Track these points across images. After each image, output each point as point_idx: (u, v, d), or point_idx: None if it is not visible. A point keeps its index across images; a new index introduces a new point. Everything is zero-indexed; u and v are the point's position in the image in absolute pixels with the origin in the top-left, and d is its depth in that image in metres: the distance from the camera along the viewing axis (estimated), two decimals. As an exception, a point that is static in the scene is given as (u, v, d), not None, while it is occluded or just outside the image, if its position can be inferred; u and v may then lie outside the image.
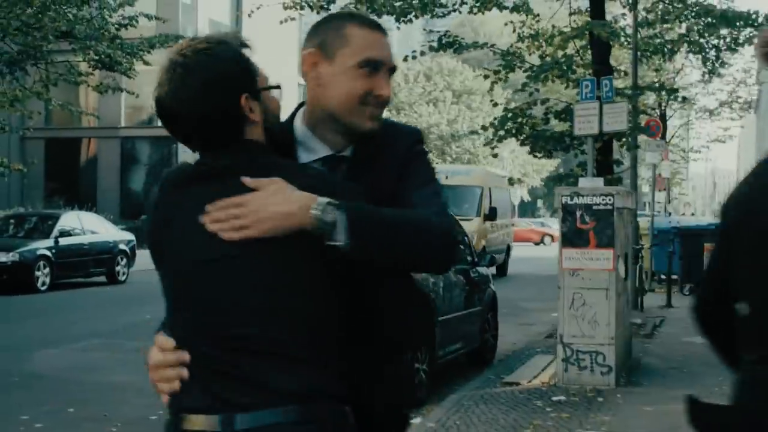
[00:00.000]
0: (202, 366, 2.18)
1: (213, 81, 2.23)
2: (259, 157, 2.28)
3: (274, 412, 2.11)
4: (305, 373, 2.14)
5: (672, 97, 16.23)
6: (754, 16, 13.39)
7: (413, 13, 14.38)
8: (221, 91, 2.24)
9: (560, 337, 9.32)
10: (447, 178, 22.25)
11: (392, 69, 2.45)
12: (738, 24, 13.49)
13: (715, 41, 14.25)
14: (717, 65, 15.19)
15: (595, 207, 9.22)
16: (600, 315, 9.18)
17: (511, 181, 25.33)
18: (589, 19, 13.99)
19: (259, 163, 2.25)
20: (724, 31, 14.40)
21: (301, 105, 2.55)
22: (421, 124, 57.68)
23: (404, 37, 70.22)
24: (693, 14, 13.93)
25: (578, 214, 9.22)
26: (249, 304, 2.16)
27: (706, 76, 15.75)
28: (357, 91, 2.37)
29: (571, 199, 9.27)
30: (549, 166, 58.28)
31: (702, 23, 14.02)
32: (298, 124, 2.50)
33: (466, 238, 11.28)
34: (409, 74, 62.23)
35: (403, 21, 14.44)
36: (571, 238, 9.27)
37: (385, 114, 2.49)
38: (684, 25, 14.87)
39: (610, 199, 9.23)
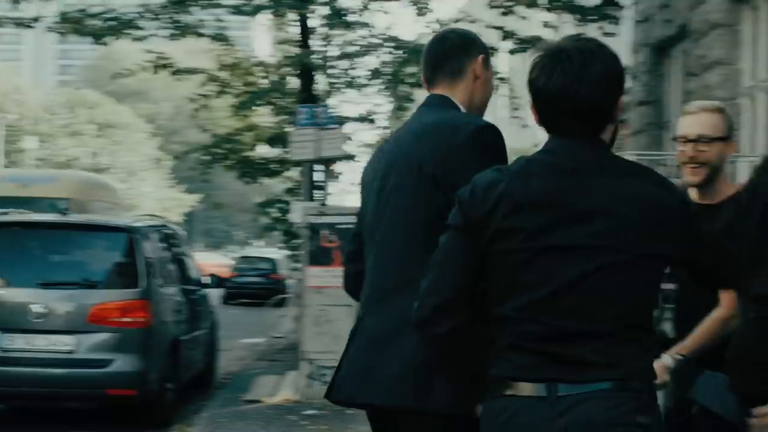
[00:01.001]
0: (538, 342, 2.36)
1: (614, 73, 2.46)
2: (617, 157, 2.51)
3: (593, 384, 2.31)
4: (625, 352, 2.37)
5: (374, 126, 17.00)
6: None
7: (115, 36, 14.04)
8: (617, 84, 2.47)
9: (304, 354, 9.45)
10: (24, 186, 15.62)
11: None
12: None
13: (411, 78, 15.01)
14: (405, 100, 15.93)
15: (339, 226, 9.47)
16: (344, 331, 9.36)
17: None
18: (298, 49, 14.34)
19: (618, 163, 2.49)
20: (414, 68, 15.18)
21: None
22: (60, 157, 55.64)
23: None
24: (387, 49, 14.68)
25: (323, 232, 9.44)
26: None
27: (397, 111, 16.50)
28: None
29: (317, 218, 9.48)
30: (190, 201, 58.31)
31: (395, 58, 14.76)
32: None
33: (189, 259, 11.12)
34: (51, 105, 59.87)
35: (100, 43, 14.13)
36: (317, 256, 9.46)
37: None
38: (377, 59, 15.47)
39: (354, 219, 9.52)
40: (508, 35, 14.46)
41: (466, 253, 2.45)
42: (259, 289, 25.39)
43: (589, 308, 2.34)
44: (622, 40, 16.69)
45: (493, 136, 2.83)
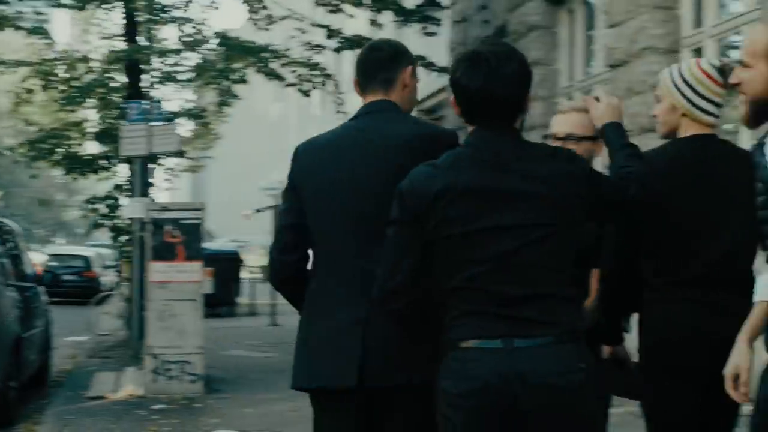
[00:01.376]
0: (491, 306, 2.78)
1: (524, 72, 2.92)
2: (530, 143, 2.99)
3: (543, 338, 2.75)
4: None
5: (199, 122, 16.93)
6: (275, 49, 14.63)
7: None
8: (527, 82, 2.91)
9: (148, 349, 9.45)
10: None
11: None
12: (263, 56, 14.46)
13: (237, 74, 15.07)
14: (230, 96, 15.99)
15: (183, 221, 9.53)
16: (188, 325, 9.49)
17: None
18: (125, 44, 14.17)
19: (532, 148, 2.96)
20: (240, 63, 15.24)
21: None
22: None
23: None
24: (213, 44, 14.73)
25: (167, 228, 9.46)
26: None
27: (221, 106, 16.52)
28: None
29: (160, 214, 9.50)
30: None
31: (219, 54, 14.81)
32: None
33: (24, 255, 10.87)
34: None
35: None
36: (160, 251, 9.48)
37: None
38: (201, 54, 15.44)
39: (198, 214, 9.61)
40: (333, 33, 14.72)
41: (412, 243, 2.88)
42: (72, 288, 24.75)
43: (529, 276, 2.79)
44: (442, 40, 17.28)
45: None
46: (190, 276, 9.52)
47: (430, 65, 14.78)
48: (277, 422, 8.00)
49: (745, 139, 7.99)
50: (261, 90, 18.26)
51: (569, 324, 2.79)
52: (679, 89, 3.49)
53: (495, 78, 2.84)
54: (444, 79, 16.93)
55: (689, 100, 3.47)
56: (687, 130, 3.48)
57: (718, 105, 3.50)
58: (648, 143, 10.58)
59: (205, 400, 9.18)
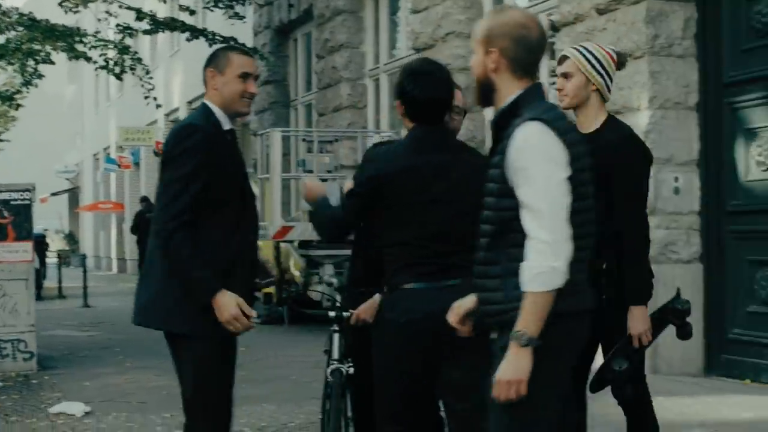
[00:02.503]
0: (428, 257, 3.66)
1: (449, 80, 3.80)
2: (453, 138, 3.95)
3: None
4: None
5: (8, 104, 16.63)
6: (83, 32, 14.67)
7: None
8: (451, 87, 3.77)
9: (-19, 329, 9.53)
10: None
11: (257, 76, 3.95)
12: (71, 41, 14.50)
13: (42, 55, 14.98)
14: (35, 76, 15.89)
15: (13, 202, 9.65)
16: (20, 304, 9.63)
17: None
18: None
19: (454, 142, 3.88)
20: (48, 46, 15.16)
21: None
22: None
23: None
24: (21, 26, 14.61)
25: (-5, 209, 9.56)
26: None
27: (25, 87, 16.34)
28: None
29: (-11, 195, 9.58)
30: None
31: (26, 35, 14.71)
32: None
33: None
34: None
35: None
36: (-10, 232, 9.56)
37: None
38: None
39: (28, 194, 9.75)
40: (143, 16, 14.88)
41: (362, 208, 3.81)
42: None
43: (457, 236, 3.62)
44: (248, 23, 17.61)
45: None
46: (21, 256, 9.65)
47: (238, 46, 15.14)
48: (117, 393, 8.30)
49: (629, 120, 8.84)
50: (54, 71, 18.06)
51: None
52: (596, 68, 4.07)
53: (431, 86, 3.74)
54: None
55: (603, 78, 4.06)
56: (593, 104, 4.11)
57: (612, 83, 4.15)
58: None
59: (42, 377, 9.35)
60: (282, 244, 12.56)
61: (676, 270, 7.96)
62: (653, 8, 8.00)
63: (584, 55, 4.09)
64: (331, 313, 4.57)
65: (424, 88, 3.71)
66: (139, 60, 15.09)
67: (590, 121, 4.11)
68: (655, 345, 7.57)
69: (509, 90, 3.02)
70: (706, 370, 8.02)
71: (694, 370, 7.98)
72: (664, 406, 6.28)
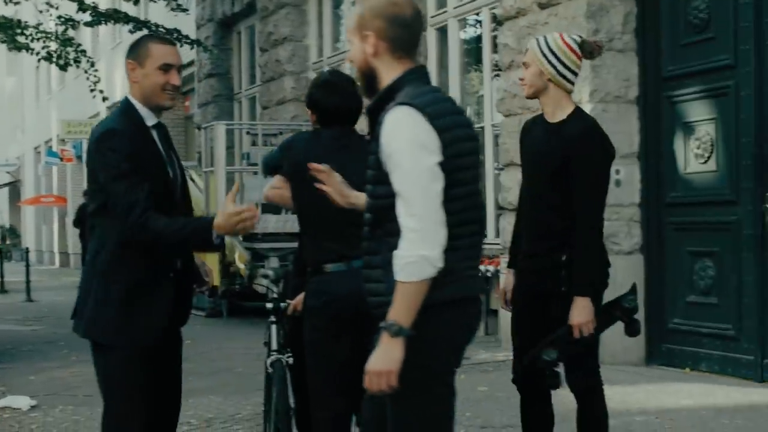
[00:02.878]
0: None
1: (356, 89, 4.10)
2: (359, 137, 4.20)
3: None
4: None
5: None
6: (25, 23, 14.52)
7: None
8: (359, 96, 4.03)
9: None
10: None
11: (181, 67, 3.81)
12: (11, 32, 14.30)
13: None
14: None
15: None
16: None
17: None
18: None
19: (359, 140, 4.13)
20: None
21: None
22: None
23: None
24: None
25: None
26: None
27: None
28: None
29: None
30: None
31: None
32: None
33: None
34: None
35: None
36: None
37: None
38: None
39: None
40: (85, 7, 14.75)
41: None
42: None
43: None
44: (191, 15, 17.54)
45: None
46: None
47: (182, 38, 15.10)
48: (62, 386, 8.29)
49: (588, 109, 8.95)
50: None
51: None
52: (546, 57, 4.09)
53: (343, 96, 4.15)
54: (193, 53, 17.30)
55: (555, 68, 4.08)
56: (553, 94, 4.12)
57: (576, 74, 4.17)
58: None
59: (-16, 373, 9.28)
60: (226, 237, 12.52)
61: (618, 261, 8.06)
62: (594, 3, 8.13)
63: (539, 45, 4.13)
64: (269, 305, 4.61)
65: (332, 98, 4.12)
66: (84, 52, 14.95)
67: (555, 112, 4.15)
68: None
69: (390, 74, 2.93)
70: (648, 360, 8.18)
71: (635, 360, 8.13)
72: (606, 395, 6.40)
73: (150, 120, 3.72)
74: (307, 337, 3.97)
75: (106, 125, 3.69)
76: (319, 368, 3.88)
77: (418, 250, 2.71)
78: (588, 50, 4.17)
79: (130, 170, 3.54)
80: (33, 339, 11.93)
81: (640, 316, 7.96)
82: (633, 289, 4.28)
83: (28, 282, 17.91)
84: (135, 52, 3.71)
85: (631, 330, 4.32)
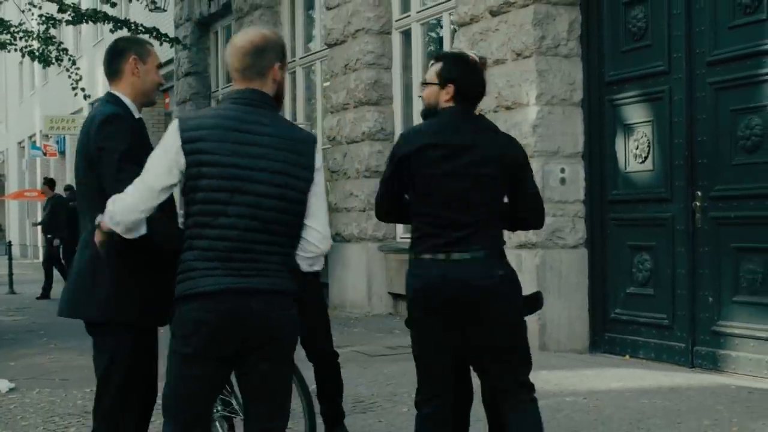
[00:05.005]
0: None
1: None
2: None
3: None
4: None
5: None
6: (8, 23, 14.93)
7: None
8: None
9: None
10: None
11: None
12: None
13: None
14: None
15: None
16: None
17: None
18: None
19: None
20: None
21: None
22: None
23: None
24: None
25: None
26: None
27: None
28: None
29: None
30: None
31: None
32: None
33: None
34: None
35: None
36: None
37: None
38: None
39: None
40: (65, 8, 15.17)
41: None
42: None
43: (470, 209, 3.97)
44: (169, 14, 17.94)
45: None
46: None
47: (161, 37, 15.53)
48: (41, 372, 8.71)
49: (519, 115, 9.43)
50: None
51: (494, 244, 4.00)
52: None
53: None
54: (172, 51, 17.72)
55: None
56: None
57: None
58: (364, 115, 12.02)
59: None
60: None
61: (563, 255, 8.61)
62: (540, 11, 8.61)
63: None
64: None
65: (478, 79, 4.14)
66: (65, 51, 15.38)
67: None
68: (543, 324, 8.28)
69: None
70: (591, 348, 8.66)
71: (580, 348, 8.62)
72: (545, 379, 6.92)
73: (136, 114, 3.97)
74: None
75: (105, 111, 3.84)
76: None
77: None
78: (484, 62, 4.60)
79: (128, 152, 3.70)
80: (14, 328, 12.40)
81: (584, 306, 8.57)
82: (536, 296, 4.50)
83: (11, 274, 18.44)
84: (136, 50, 3.98)
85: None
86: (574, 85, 8.71)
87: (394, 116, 11.94)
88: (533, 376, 4.13)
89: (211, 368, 3.36)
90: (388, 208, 4.21)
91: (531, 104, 8.61)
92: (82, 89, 15.01)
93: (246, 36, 3.48)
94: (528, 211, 4.16)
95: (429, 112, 4.18)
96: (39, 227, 17.43)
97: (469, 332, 3.99)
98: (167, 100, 21.54)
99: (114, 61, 4.00)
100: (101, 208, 3.52)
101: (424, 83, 4.25)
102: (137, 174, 3.44)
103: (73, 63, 15.19)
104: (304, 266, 3.47)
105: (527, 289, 4.15)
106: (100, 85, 25.62)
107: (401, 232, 11.62)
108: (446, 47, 10.91)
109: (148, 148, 3.69)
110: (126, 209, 3.37)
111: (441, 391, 4.07)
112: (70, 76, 15.08)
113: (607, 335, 8.60)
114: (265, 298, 3.32)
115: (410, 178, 4.00)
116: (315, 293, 5.27)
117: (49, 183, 18.05)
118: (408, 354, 4.43)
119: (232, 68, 3.47)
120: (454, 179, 3.93)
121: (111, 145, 3.72)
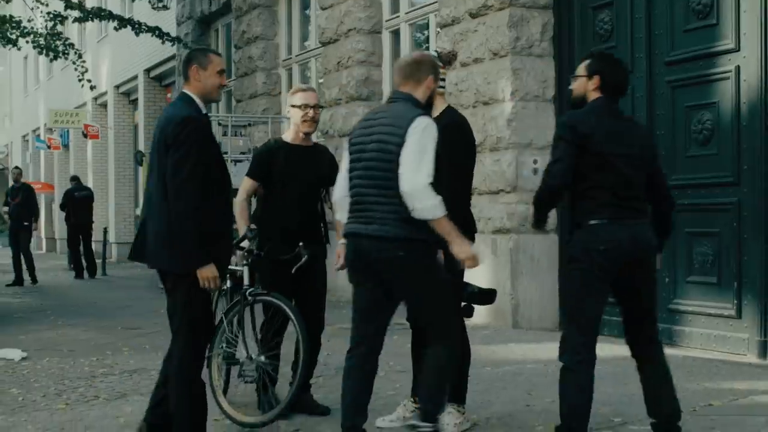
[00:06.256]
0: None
1: None
2: None
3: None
4: None
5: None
6: (18, 19, 15.61)
7: None
8: None
9: None
10: None
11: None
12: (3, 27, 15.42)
13: None
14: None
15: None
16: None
17: None
18: None
19: None
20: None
21: None
22: None
23: None
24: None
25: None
26: None
27: None
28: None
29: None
30: None
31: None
32: None
33: None
34: None
35: None
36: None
37: None
38: None
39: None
40: (73, 6, 15.81)
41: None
42: None
43: (634, 185, 4.65)
44: (171, 13, 18.53)
45: None
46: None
47: (164, 35, 16.16)
48: (50, 343, 9.37)
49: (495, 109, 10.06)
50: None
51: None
52: None
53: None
54: (174, 48, 18.35)
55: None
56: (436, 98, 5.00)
57: (443, 80, 5.20)
58: (355, 110, 12.63)
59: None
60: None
61: (536, 240, 9.27)
62: (515, 14, 9.29)
63: None
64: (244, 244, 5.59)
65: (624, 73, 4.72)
66: (72, 45, 16.04)
67: (433, 111, 5.09)
68: (515, 304, 8.92)
69: None
70: (561, 325, 9.31)
71: (550, 325, 9.24)
72: (512, 351, 7.55)
73: (203, 110, 4.81)
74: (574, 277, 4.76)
75: (182, 113, 4.68)
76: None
77: None
78: (446, 60, 5.27)
79: (198, 154, 4.57)
80: (23, 308, 13.08)
81: (554, 286, 9.17)
82: (486, 292, 5.19)
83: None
84: (198, 60, 4.80)
85: (464, 311, 5.22)
86: (546, 83, 9.37)
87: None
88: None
89: None
90: (567, 181, 4.68)
91: (506, 100, 9.28)
92: (89, 80, 15.66)
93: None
94: (668, 189, 4.88)
95: (577, 102, 4.77)
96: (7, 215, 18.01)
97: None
98: (169, 95, 22.23)
99: (184, 67, 4.86)
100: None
101: (574, 76, 4.82)
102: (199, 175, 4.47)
103: (80, 56, 15.84)
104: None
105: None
106: (103, 80, 26.29)
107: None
108: (432, 46, 11.55)
109: (214, 141, 4.77)
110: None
111: None
112: (76, 69, 15.73)
113: (576, 314, 9.22)
114: None
115: (592, 156, 4.51)
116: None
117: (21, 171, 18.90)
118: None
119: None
120: (622, 160, 4.52)
121: (183, 149, 4.56)
